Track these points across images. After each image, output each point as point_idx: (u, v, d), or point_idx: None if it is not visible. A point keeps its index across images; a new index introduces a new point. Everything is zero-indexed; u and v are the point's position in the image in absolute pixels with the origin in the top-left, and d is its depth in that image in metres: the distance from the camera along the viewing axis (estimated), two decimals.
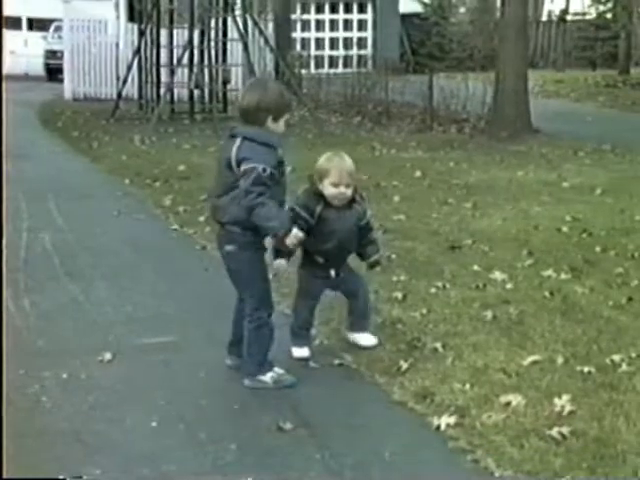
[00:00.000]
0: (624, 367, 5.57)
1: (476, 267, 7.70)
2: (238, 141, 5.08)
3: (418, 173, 12.91)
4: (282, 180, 5.20)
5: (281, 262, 5.45)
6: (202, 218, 9.53)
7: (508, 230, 9.27)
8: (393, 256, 7.86)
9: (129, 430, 4.79)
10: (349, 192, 5.48)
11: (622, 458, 4.44)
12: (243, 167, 4.98)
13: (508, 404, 4.98)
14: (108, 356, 5.71)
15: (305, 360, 5.60)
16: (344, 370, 5.54)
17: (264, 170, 4.96)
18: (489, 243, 8.66)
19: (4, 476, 2.95)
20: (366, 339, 5.80)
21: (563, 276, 7.56)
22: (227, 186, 5.13)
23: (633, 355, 5.75)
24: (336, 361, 5.63)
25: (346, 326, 5.93)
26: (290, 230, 5.05)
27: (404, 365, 5.45)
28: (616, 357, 5.69)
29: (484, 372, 5.43)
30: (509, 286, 7.25)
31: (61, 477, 3.02)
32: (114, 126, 18.44)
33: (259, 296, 5.25)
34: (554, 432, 4.65)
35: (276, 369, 5.29)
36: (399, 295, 6.77)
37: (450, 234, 8.89)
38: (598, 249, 8.50)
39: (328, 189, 5.44)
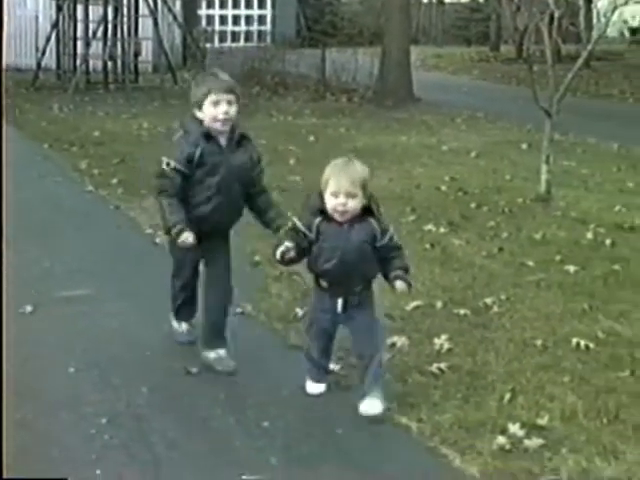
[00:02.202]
0: (495, 309, 5.67)
1: None
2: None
3: (312, 138, 12.87)
4: (208, 180, 4.45)
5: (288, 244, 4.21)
6: (115, 180, 9.35)
7: (393, 189, 9.30)
8: (289, 213, 7.79)
9: (49, 377, 4.67)
10: (351, 204, 4.12)
11: (492, 387, 4.53)
12: None
13: (394, 345, 5.01)
14: (29, 308, 5.56)
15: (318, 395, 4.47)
16: (245, 318, 5.49)
17: (167, 164, 4.38)
18: None
19: (4, 476, 2.81)
20: (373, 406, 4.22)
21: (442, 230, 7.62)
22: None
23: (503, 298, 5.85)
24: (238, 309, 5.58)
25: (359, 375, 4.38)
26: (179, 233, 4.36)
27: (299, 312, 5.42)
28: (488, 300, 5.78)
29: None
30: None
31: (63, 477, 2.92)
32: (34, 95, 17.93)
33: (174, 264, 4.91)
34: (434, 368, 4.71)
35: (179, 324, 5.04)
36: None
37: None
38: (473, 205, 8.60)
39: (329, 201, 4.16)
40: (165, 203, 4.39)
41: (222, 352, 4.68)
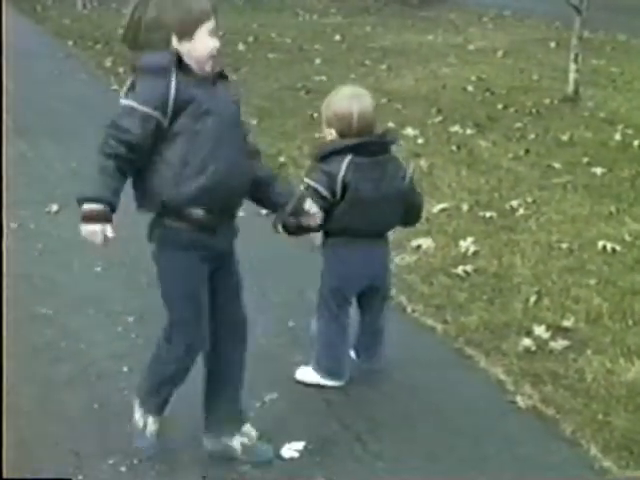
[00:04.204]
0: (521, 211, 5.60)
1: (390, 124, 7.58)
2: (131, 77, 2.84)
3: (337, 37, 12.65)
4: (199, 127, 2.79)
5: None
6: None
7: (419, 90, 9.16)
8: (315, 115, 7.70)
9: (76, 274, 4.68)
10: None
11: (517, 289, 4.50)
12: None
13: (419, 247, 4.97)
14: (55, 207, 5.56)
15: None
16: (270, 219, 5.41)
17: (131, 110, 2.72)
18: (402, 102, 8.55)
19: (4, 476, 2.81)
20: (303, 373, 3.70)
21: (468, 131, 7.51)
22: None
23: (529, 200, 5.78)
24: (263, 211, 5.49)
25: None
26: (99, 216, 2.75)
27: None
28: (514, 202, 5.72)
29: None
30: (420, 141, 7.18)
31: (66, 478, 2.92)
32: None
33: (176, 319, 3.02)
34: (459, 270, 4.67)
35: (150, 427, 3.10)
36: None
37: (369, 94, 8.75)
38: (500, 106, 8.46)
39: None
40: (99, 163, 2.72)
41: (247, 430, 3.21)
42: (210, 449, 3.16)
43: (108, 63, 10.33)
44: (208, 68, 2.86)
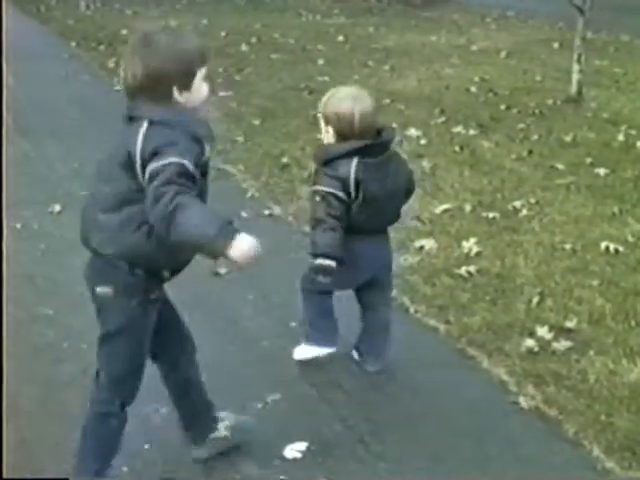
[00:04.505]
0: (524, 212, 5.59)
1: (393, 124, 7.57)
2: (144, 126, 2.61)
3: (341, 38, 12.65)
4: (203, 188, 2.73)
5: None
6: None
7: (422, 90, 9.15)
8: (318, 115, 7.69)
9: (78, 274, 4.62)
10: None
11: (520, 290, 4.49)
12: (153, 164, 2.52)
13: (422, 248, 4.96)
14: (58, 208, 5.56)
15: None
16: (273, 220, 5.45)
17: (188, 169, 2.54)
18: (405, 102, 8.54)
19: (4, 476, 2.81)
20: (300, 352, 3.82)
21: (471, 132, 7.50)
22: (120, 197, 2.71)
23: (532, 201, 5.77)
24: (266, 212, 5.54)
25: None
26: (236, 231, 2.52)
27: None
28: (517, 203, 5.71)
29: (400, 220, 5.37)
30: (423, 142, 7.17)
31: (63, 478, 2.90)
32: None
33: (120, 373, 2.90)
34: (462, 271, 4.66)
35: None
36: None
37: (369, 94, 8.73)
38: (503, 107, 8.45)
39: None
40: (195, 204, 2.49)
41: (223, 415, 3.22)
42: (204, 456, 3.14)
43: (111, 64, 10.32)
44: (203, 114, 2.79)
